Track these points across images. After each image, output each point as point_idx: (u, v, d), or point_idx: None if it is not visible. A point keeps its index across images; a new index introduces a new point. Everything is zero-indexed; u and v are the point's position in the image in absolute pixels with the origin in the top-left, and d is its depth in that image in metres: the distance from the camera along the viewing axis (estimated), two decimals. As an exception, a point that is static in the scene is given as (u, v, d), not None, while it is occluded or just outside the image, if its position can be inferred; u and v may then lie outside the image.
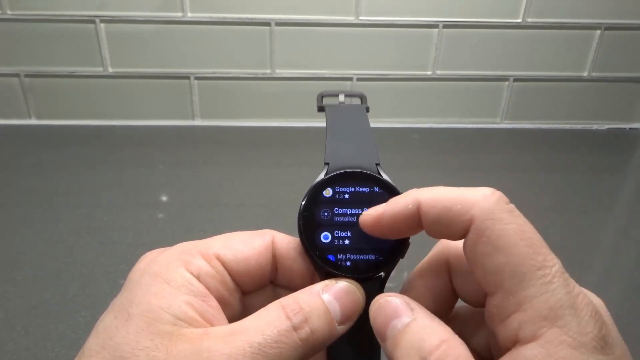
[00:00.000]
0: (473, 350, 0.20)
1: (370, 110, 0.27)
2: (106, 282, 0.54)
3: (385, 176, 0.23)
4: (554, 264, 0.18)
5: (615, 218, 0.71)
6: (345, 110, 0.27)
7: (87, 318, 0.50)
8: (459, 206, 0.20)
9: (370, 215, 0.22)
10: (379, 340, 0.21)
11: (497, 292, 0.19)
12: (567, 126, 0.93)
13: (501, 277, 0.18)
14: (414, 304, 0.20)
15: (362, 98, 0.28)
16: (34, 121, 0.87)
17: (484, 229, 0.19)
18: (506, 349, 0.19)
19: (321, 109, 0.27)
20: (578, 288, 0.18)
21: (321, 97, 0.28)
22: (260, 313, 0.20)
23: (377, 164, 0.24)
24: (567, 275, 0.18)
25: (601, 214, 0.70)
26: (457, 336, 0.19)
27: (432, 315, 0.20)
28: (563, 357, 0.17)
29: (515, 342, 0.18)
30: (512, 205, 0.20)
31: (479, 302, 0.23)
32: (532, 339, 0.18)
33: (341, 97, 0.28)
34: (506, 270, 0.18)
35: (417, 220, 0.21)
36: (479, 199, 0.19)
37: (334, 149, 0.24)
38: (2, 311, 0.50)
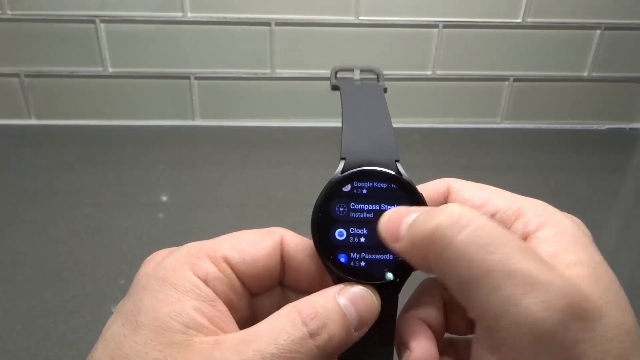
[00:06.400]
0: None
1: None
2: (106, 282, 0.54)
3: (405, 174, 0.22)
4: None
5: (615, 218, 0.71)
6: (362, 93, 0.25)
7: (87, 318, 0.50)
8: (435, 184, 0.25)
9: None
10: (390, 245, 0.21)
11: (497, 211, 0.23)
12: (567, 126, 0.93)
13: (491, 203, 0.23)
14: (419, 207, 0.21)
15: (379, 75, 0.27)
16: (34, 121, 0.87)
17: (463, 184, 0.25)
18: None
19: (335, 87, 0.26)
20: None
21: (335, 72, 0.26)
22: (273, 319, 0.19)
23: (397, 161, 0.22)
24: None
25: (601, 214, 0.70)
26: None
27: None
28: (570, 231, 0.21)
29: (525, 239, 0.21)
30: None
31: None
32: (538, 228, 0.21)
33: (356, 73, 0.26)
34: (492, 198, 0.23)
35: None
36: (448, 178, 0.25)
37: (351, 142, 0.23)
38: (2, 311, 0.50)
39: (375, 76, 0.27)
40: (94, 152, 0.80)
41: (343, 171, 0.22)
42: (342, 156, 0.22)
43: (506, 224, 0.22)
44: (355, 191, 0.22)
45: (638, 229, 0.68)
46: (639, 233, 0.68)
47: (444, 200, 0.24)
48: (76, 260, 0.57)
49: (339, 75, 0.27)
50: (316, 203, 0.22)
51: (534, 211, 0.22)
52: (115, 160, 0.78)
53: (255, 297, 0.23)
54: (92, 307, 0.51)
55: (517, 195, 0.23)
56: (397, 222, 0.20)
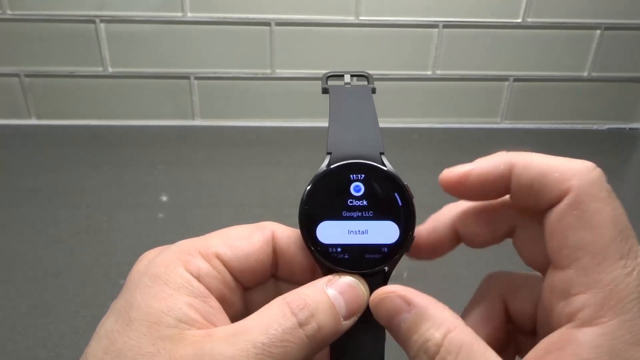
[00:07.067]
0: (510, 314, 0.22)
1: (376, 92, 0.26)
2: (106, 282, 0.54)
3: (389, 166, 0.23)
4: (638, 256, 0.18)
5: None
6: (349, 93, 0.26)
7: (87, 318, 0.50)
8: (557, 174, 0.19)
9: (453, 172, 0.22)
10: (392, 335, 0.21)
11: (569, 268, 0.18)
12: (567, 126, 0.93)
13: (580, 254, 0.18)
14: (410, 295, 0.20)
15: (369, 78, 0.27)
16: (34, 121, 0.87)
17: (580, 202, 0.18)
18: (558, 325, 0.18)
19: (325, 90, 0.26)
20: None
21: (326, 77, 0.27)
22: (263, 310, 0.20)
23: (381, 153, 0.23)
24: None
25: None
26: (459, 319, 0.19)
27: (432, 303, 0.20)
28: (616, 351, 0.16)
29: (570, 321, 0.18)
30: (609, 186, 0.19)
31: (538, 265, 0.22)
32: (591, 323, 0.17)
33: (347, 78, 0.27)
34: (589, 248, 0.18)
35: (505, 183, 0.21)
36: (581, 171, 0.19)
37: (336, 138, 0.23)
38: (2, 311, 0.50)
39: (365, 80, 0.28)
40: (94, 152, 0.80)
41: (328, 165, 0.22)
42: (328, 151, 0.23)
43: (564, 295, 0.18)
44: (340, 184, 0.22)
45: (638, 229, 0.68)
46: (638, 233, 0.68)
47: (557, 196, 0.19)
48: (76, 260, 0.57)
49: (330, 80, 0.28)
50: (302, 196, 0.22)
51: (603, 292, 0.17)
52: (115, 160, 0.78)
53: (248, 290, 0.23)
54: (92, 307, 0.51)
55: (616, 249, 0.18)
56: (389, 320, 0.21)
